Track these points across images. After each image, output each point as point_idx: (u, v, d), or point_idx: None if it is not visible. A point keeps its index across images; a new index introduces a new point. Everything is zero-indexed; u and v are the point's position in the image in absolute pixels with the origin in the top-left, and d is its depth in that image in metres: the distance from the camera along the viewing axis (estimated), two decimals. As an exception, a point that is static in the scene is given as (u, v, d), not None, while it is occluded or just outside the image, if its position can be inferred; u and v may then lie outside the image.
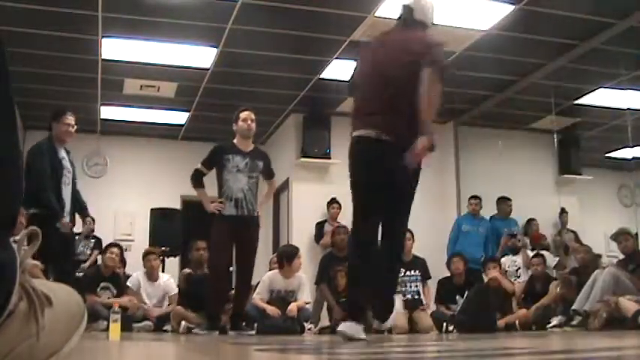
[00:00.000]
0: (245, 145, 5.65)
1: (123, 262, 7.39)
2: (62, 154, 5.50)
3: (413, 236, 7.12)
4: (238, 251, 5.63)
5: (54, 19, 6.02)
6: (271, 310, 6.14)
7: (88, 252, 7.71)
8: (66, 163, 5.49)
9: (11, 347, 0.81)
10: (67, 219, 5.33)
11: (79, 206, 5.70)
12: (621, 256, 6.32)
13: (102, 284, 6.62)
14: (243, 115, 5.66)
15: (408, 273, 6.94)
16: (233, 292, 5.89)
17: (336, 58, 7.09)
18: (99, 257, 7.30)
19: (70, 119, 5.54)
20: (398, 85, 3.49)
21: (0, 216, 0.81)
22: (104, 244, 7.44)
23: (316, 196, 8.61)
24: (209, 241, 5.91)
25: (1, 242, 0.80)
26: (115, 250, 6.81)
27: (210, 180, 5.69)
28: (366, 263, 3.49)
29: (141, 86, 7.91)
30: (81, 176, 5.73)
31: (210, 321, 5.56)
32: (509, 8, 5.98)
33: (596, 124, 9.29)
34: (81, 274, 6.86)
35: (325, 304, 6.70)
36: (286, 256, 6.45)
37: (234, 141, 5.69)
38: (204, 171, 5.67)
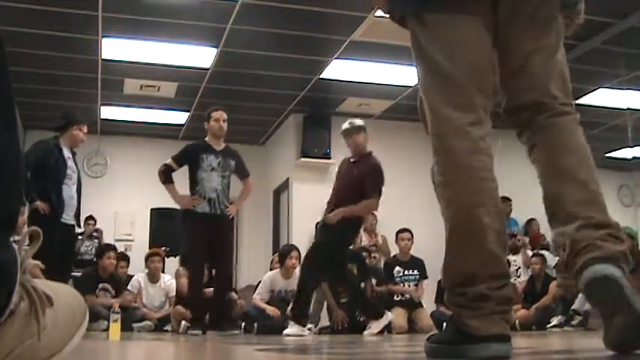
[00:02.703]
0: (217, 144, 5.73)
1: (126, 260, 7.38)
2: (68, 154, 5.54)
3: (412, 236, 7.14)
4: (214, 251, 5.58)
5: (54, 19, 6.02)
6: (271, 310, 6.15)
7: (94, 251, 7.71)
8: (71, 163, 5.54)
9: (12, 347, 0.81)
10: (41, 204, 5.17)
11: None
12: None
13: (100, 285, 6.61)
14: (216, 114, 5.72)
15: (406, 272, 6.99)
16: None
17: (336, 58, 7.08)
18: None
19: (85, 129, 5.72)
20: None
21: (0, 216, 0.81)
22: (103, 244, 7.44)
23: (316, 196, 8.56)
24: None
25: (1, 242, 0.80)
26: (112, 254, 6.80)
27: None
28: None
29: (141, 86, 7.91)
30: (81, 176, 5.79)
31: (197, 320, 5.50)
32: (509, 8, 5.98)
33: (596, 124, 9.28)
34: (78, 274, 6.84)
35: (325, 304, 6.69)
36: (281, 255, 6.50)
37: (206, 139, 5.76)
38: (174, 167, 5.69)
